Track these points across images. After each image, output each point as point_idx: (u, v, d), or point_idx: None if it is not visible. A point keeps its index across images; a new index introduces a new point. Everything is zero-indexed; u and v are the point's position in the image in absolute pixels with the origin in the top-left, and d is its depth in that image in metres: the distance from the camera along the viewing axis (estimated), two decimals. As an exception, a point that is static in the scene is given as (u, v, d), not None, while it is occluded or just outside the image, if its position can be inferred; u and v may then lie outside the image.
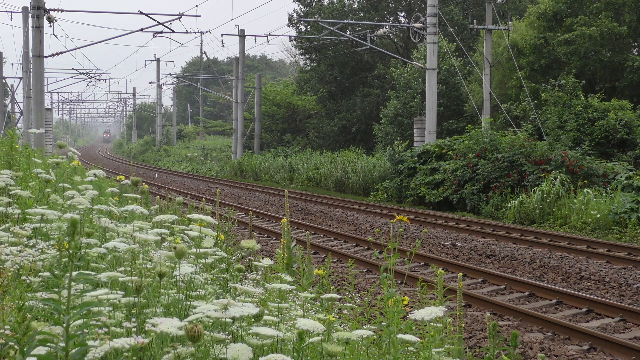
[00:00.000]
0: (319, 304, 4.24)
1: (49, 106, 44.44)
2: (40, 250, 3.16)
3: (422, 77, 30.44)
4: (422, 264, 12.03)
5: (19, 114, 35.69)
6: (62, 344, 2.01)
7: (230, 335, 2.68)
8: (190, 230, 3.42)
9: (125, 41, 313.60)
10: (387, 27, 37.06)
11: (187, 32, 31.98)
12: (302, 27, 41.44)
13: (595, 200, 16.04)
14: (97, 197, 4.62)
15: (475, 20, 29.33)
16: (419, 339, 2.96)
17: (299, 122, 43.73)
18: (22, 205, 4.20)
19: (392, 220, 3.62)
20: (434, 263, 11.70)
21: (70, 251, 2.08)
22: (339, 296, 3.50)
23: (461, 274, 5.18)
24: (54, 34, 32.53)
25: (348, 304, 4.15)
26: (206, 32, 54.16)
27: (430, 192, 20.76)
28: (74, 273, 2.14)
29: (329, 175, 27.66)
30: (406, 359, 3.54)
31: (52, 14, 24.40)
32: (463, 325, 5.18)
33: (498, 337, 3.23)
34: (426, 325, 3.41)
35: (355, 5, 41.52)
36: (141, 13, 26.11)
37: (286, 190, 7.23)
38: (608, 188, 17.18)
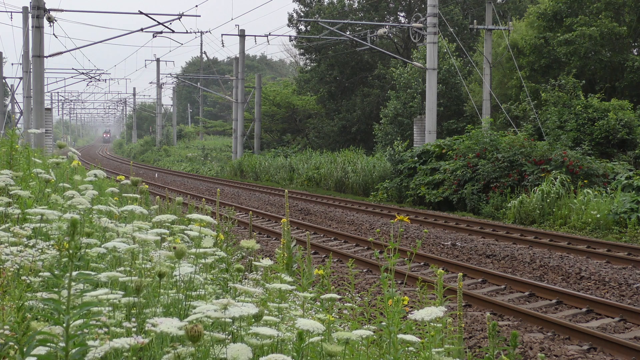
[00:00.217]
0: (319, 304, 4.24)
1: (49, 106, 44.45)
2: (40, 250, 3.15)
3: (422, 77, 30.44)
4: (422, 264, 12.02)
5: (19, 114, 35.69)
6: (62, 344, 2.01)
7: (230, 335, 2.68)
8: (190, 230, 3.42)
9: (125, 41, 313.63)
10: (387, 27, 37.06)
11: (187, 32, 31.99)
12: (302, 27, 41.45)
13: (595, 200, 16.04)
14: (97, 197, 4.62)
15: (475, 20, 29.33)
16: (419, 339, 2.96)
17: (299, 122, 43.73)
18: (22, 205, 4.20)
19: (392, 220, 3.62)
20: (434, 263, 11.70)
21: (70, 251, 2.08)
22: (339, 296, 3.50)
23: (461, 274, 5.18)
24: (54, 34, 32.55)
25: (348, 304, 4.15)
26: (206, 32, 54.18)
27: (430, 192, 20.76)
28: (74, 273, 2.14)
29: (329, 175, 27.66)
30: (406, 359, 3.54)
31: (52, 14, 24.40)
32: (463, 325, 5.18)
33: (498, 337, 3.23)
34: (426, 325, 3.41)
35: (355, 5, 41.54)
36: (141, 13, 26.12)
37: (286, 190, 7.23)
38: (608, 188, 17.18)
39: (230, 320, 2.42)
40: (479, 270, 10.97)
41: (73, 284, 2.10)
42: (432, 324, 3.21)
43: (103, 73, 51.61)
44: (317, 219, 18.60)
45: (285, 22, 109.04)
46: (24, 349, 1.99)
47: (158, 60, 59.41)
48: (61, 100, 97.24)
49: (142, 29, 27.59)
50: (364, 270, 11.56)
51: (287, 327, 3.10)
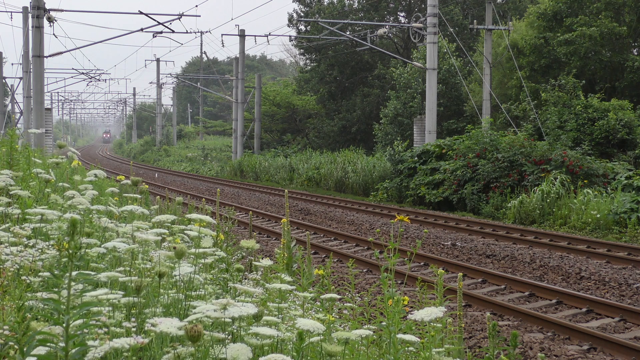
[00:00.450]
0: (318, 304, 4.24)
1: (49, 106, 44.45)
2: (40, 250, 3.15)
3: (422, 77, 30.44)
4: (422, 264, 12.02)
5: (19, 114, 35.69)
6: (62, 344, 2.01)
7: (230, 335, 2.68)
8: (190, 230, 3.42)
9: (125, 41, 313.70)
10: (387, 27, 37.06)
11: (187, 32, 31.99)
12: (302, 27, 41.45)
13: (595, 200, 16.04)
14: (97, 197, 4.62)
15: (475, 20, 29.33)
16: (419, 339, 2.96)
17: (299, 122, 43.73)
18: (22, 205, 4.20)
19: (392, 220, 3.62)
20: (434, 263, 11.70)
21: (70, 251, 2.08)
22: (338, 296, 3.50)
23: (461, 274, 5.18)
24: (54, 34, 32.55)
25: (348, 304, 4.15)
26: (206, 32, 54.17)
27: (430, 192, 20.76)
28: (74, 273, 2.14)
29: (329, 175, 27.67)
30: (406, 359, 3.54)
31: (52, 14, 24.41)
32: (463, 325, 5.18)
33: (498, 337, 3.23)
34: (426, 325, 3.41)
35: (355, 5, 41.53)
36: (141, 13, 26.12)
37: (286, 190, 7.23)
38: (608, 188, 17.18)
39: (230, 320, 2.42)
40: (479, 270, 10.97)
41: (73, 284, 2.10)
42: (432, 324, 3.21)
43: (103, 73, 51.62)
44: (317, 219, 18.60)
45: (285, 22, 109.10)
46: (24, 349, 1.99)
47: (158, 60, 59.41)
48: (61, 100, 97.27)
49: (142, 29, 27.59)
50: (364, 270, 11.56)
51: (287, 327, 3.10)
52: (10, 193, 4.18)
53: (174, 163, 48.31)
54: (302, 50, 44.27)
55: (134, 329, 2.45)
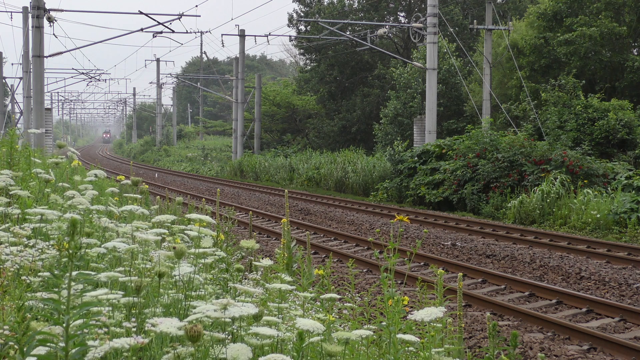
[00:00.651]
0: (319, 304, 4.24)
1: (49, 106, 44.45)
2: (40, 250, 3.15)
3: (422, 77, 30.44)
4: (422, 264, 12.02)
5: (19, 114, 35.70)
6: (62, 344, 2.01)
7: (230, 335, 2.68)
8: (190, 230, 3.42)
9: (125, 41, 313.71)
10: (387, 27, 37.06)
11: (187, 32, 31.98)
12: (302, 27, 41.45)
13: (595, 200, 16.04)
14: (97, 197, 4.62)
15: (475, 20, 29.33)
16: (419, 339, 2.96)
17: (299, 122, 43.73)
18: (21, 205, 4.20)
19: (392, 220, 3.62)
20: (434, 263, 11.70)
21: (70, 251, 2.08)
22: (339, 296, 3.50)
23: (461, 274, 5.18)
24: (54, 34, 32.54)
25: (348, 304, 4.15)
26: (206, 32, 54.16)
27: (430, 192, 20.77)
28: (74, 273, 2.13)
29: (329, 175, 27.67)
30: (406, 359, 3.54)
31: (52, 14, 24.41)
32: (463, 325, 5.18)
33: (498, 337, 3.23)
34: (426, 325, 3.41)
35: (355, 5, 41.53)
36: (141, 13, 26.12)
37: (286, 190, 7.23)
38: (608, 188, 17.18)
39: (230, 320, 2.42)
40: (479, 270, 10.97)
41: (73, 284, 2.10)
42: (432, 324, 3.21)
43: (103, 73, 51.62)
44: (317, 219, 18.60)
45: (285, 22, 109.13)
46: (24, 349, 1.99)
47: (158, 60, 59.41)
48: (61, 100, 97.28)
49: (142, 29, 27.59)
50: (364, 270, 11.56)
51: (287, 327, 3.10)
52: (10, 193, 4.18)
53: (174, 163, 48.31)
54: (302, 50, 44.27)
55: (134, 329, 2.45)
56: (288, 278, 3.42)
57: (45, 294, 2.45)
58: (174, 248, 2.94)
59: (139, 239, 3.08)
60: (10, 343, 2.04)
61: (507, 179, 18.68)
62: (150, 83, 63.70)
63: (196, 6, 31.91)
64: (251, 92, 42.13)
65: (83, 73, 47.52)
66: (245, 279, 4.47)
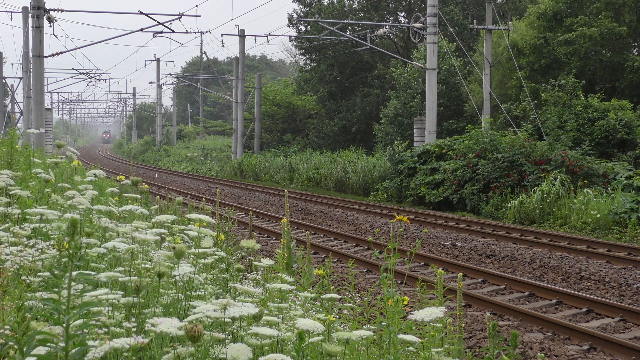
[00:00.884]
0: (319, 304, 4.24)
1: (49, 106, 44.44)
2: (40, 250, 3.15)
3: (422, 77, 30.44)
4: (422, 264, 12.02)
5: (19, 114, 35.70)
6: (62, 344, 2.01)
7: (230, 335, 2.68)
8: (190, 230, 3.42)
9: (125, 41, 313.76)
10: (387, 27, 37.06)
11: (187, 32, 31.98)
12: (302, 27, 41.45)
13: (595, 200, 16.04)
14: (97, 197, 4.62)
15: (475, 20, 29.33)
16: (419, 339, 2.96)
17: (299, 122, 43.73)
18: (21, 205, 4.20)
19: (392, 220, 3.61)
20: (434, 263, 11.70)
21: (70, 251, 2.08)
22: (339, 296, 3.50)
23: (461, 274, 5.18)
24: (54, 34, 32.54)
25: (348, 304, 4.15)
26: (206, 32, 54.15)
27: (430, 192, 20.76)
28: (74, 273, 2.13)
29: (329, 175, 27.66)
30: (406, 359, 3.54)
31: (52, 14, 24.40)
32: (463, 325, 5.18)
33: (498, 337, 3.23)
34: (426, 325, 3.41)
35: (355, 5, 41.53)
36: (141, 13, 26.12)
37: (286, 190, 7.23)
38: (608, 188, 17.18)
39: (230, 320, 2.42)
40: (479, 270, 10.96)
41: (73, 284, 2.10)
42: (432, 324, 3.21)
43: (103, 73, 51.61)
44: (317, 219, 18.60)
45: (285, 22, 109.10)
46: (24, 349, 1.99)
47: (158, 60, 59.41)
48: (61, 100, 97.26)
49: (142, 29, 27.59)
50: (364, 270, 11.56)
51: (287, 327, 3.10)
52: (10, 193, 4.18)
53: (174, 163, 48.31)
54: (302, 50, 44.27)
55: (134, 329, 2.45)
56: (288, 278, 3.42)
57: (45, 294, 2.45)
58: (174, 248, 2.94)
59: (139, 239, 3.08)
60: (10, 343, 2.04)
61: (507, 179, 18.68)
62: (150, 83, 63.73)
63: (196, 6, 31.92)
64: (251, 92, 42.13)
65: (83, 73, 47.52)
66: (246, 279, 4.47)
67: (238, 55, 39.22)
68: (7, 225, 3.61)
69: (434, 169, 21.42)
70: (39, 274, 2.91)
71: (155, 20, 27.10)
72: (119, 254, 3.34)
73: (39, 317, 2.41)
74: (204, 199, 10.15)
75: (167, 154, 54.90)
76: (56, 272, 2.16)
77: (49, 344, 2.03)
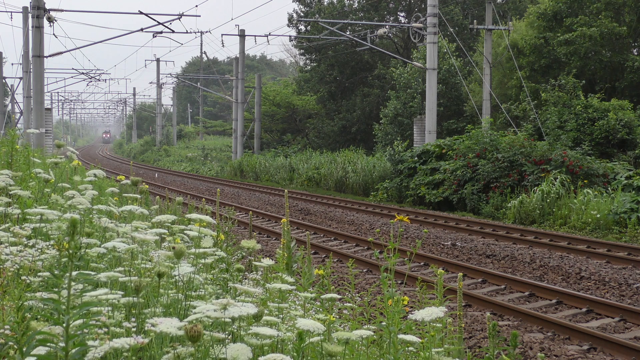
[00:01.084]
0: (319, 304, 4.24)
1: (49, 106, 44.44)
2: (40, 250, 3.15)
3: (422, 77, 30.44)
4: (422, 264, 12.02)
5: (19, 114, 35.70)
6: (62, 344, 2.01)
7: (230, 335, 2.68)
8: (190, 230, 3.42)
9: (125, 41, 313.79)
10: (387, 27, 37.06)
11: (187, 32, 31.98)
12: (302, 27, 41.45)
13: (595, 200, 16.03)
14: (97, 197, 4.62)
15: (475, 20, 29.33)
16: (419, 339, 2.96)
17: (299, 122, 43.73)
18: (21, 205, 4.20)
19: (392, 220, 3.61)
20: (434, 263, 11.70)
21: (70, 251, 2.07)
22: (339, 296, 3.50)
23: (461, 274, 5.18)
24: (54, 34, 32.54)
25: (348, 304, 4.15)
26: (206, 32, 54.15)
27: (430, 192, 20.76)
28: (74, 273, 2.13)
29: (329, 175, 27.66)
30: (406, 359, 3.54)
31: (52, 14, 24.40)
32: (463, 325, 5.18)
33: (498, 337, 3.22)
34: (426, 325, 3.41)
35: (355, 5, 41.53)
36: (141, 13, 26.11)
37: (286, 190, 7.23)
38: (608, 188, 17.18)
39: (230, 320, 2.42)
40: (479, 270, 10.96)
41: (73, 284, 2.10)
42: (432, 324, 3.21)
43: (103, 73, 51.62)
44: (317, 219, 18.60)
45: (285, 22, 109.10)
46: (24, 349, 1.99)
47: (158, 60, 59.40)
48: (61, 100, 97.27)
49: (142, 29, 27.59)
50: (364, 270, 11.56)
51: (287, 327, 3.10)
52: (10, 193, 4.18)
53: (174, 163, 48.31)
54: (302, 50, 44.26)
55: (133, 329, 2.45)
56: (288, 278, 3.42)
57: (45, 294, 2.45)
58: (174, 248, 2.93)
59: (139, 239, 3.08)
60: (10, 343, 2.04)
61: (507, 179, 18.68)
62: (150, 83, 63.73)
63: (196, 6, 31.92)
64: (251, 92, 42.13)
65: (83, 73, 47.52)
66: (246, 279, 4.47)
67: (238, 55, 39.22)
68: (7, 225, 3.60)
69: (434, 169, 21.42)
70: (39, 274, 2.91)
71: (155, 20, 27.11)
72: (119, 254, 3.34)
73: (39, 317, 2.41)
74: (204, 199, 10.15)
75: (167, 154, 54.91)
76: (56, 272, 2.16)
77: (49, 344, 2.03)
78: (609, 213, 15.28)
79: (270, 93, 43.26)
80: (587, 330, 7.73)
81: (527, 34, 27.68)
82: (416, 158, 22.63)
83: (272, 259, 7.32)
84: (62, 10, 24.88)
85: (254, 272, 4.47)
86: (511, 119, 25.62)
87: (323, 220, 18.21)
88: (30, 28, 24.04)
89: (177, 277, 3.02)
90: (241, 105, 39.40)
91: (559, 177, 17.26)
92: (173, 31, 28.62)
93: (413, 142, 26.68)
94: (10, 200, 4.16)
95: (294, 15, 41.81)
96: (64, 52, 27.31)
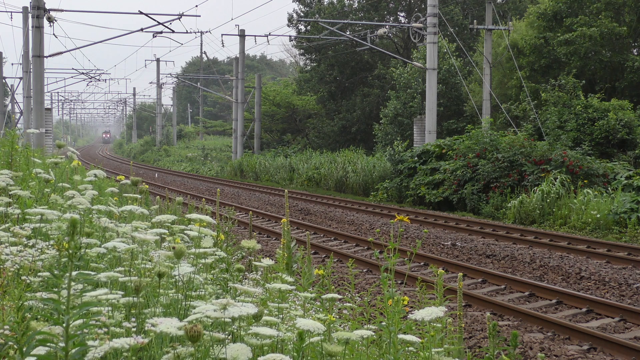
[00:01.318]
0: (319, 304, 4.24)
1: (49, 106, 44.44)
2: (40, 250, 3.15)
3: (422, 77, 30.44)
4: (422, 264, 12.02)
5: (19, 114, 35.70)
6: (62, 344, 2.01)
7: (230, 335, 2.68)
8: (190, 230, 3.41)
9: (125, 41, 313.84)
10: (387, 27, 37.05)
11: (187, 32, 31.98)
12: (302, 27, 41.45)
13: (595, 200, 16.03)
14: (97, 197, 4.62)
15: (475, 20, 29.33)
16: (419, 339, 2.96)
17: (299, 122, 43.73)
18: (21, 205, 4.20)
19: (392, 220, 3.61)
20: (434, 263, 11.70)
21: (70, 251, 2.07)
22: (339, 296, 3.50)
23: (461, 274, 5.18)
24: (54, 34, 32.54)
25: (348, 304, 4.14)
26: (206, 32, 54.14)
27: (430, 192, 20.76)
28: (74, 273, 2.13)
29: (329, 175, 27.66)
30: (406, 359, 3.54)
31: (52, 14, 24.40)
32: (463, 325, 5.18)
33: (498, 337, 3.22)
34: (426, 325, 3.41)
35: (355, 5, 41.52)
36: (141, 13, 26.11)
37: (286, 190, 7.23)
38: (608, 188, 17.18)
39: (230, 320, 2.42)
40: (479, 270, 10.96)
41: (73, 284, 2.10)
42: (432, 324, 3.21)
43: (103, 73, 51.62)
44: (317, 219, 18.60)
45: (285, 22, 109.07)
46: (24, 349, 1.99)
47: (158, 60, 59.40)
48: (61, 100, 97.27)
49: (142, 29, 27.59)
50: (364, 270, 11.56)
51: (287, 327, 3.10)
52: (10, 193, 4.18)
53: (174, 163, 48.31)
54: (302, 50, 44.26)
55: (133, 329, 2.45)
56: (288, 278, 3.42)
57: (45, 294, 2.45)
58: (174, 248, 2.93)
59: (139, 239, 3.08)
60: (10, 343, 2.04)
61: (507, 179, 18.68)
62: (150, 83, 63.72)
63: (196, 6, 31.92)
64: (251, 92, 42.13)
65: (83, 73, 47.52)
66: (246, 279, 4.47)
67: (238, 55, 39.21)
68: (7, 225, 3.60)
69: (434, 169, 21.42)
70: (39, 274, 2.91)
71: (155, 20, 27.11)
72: (118, 254, 3.34)
73: (39, 317, 2.41)
74: (204, 199, 10.15)
75: (167, 154, 54.91)
76: (56, 272, 2.16)
77: (48, 344, 2.03)
78: (609, 213, 15.28)
79: (270, 93, 43.26)
80: (587, 330, 7.73)
81: (527, 34, 27.68)
82: (416, 158, 22.63)
83: (272, 259, 7.32)
84: (62, 10, 24.88)
85: (254, 272, 4.47)
86: (511, 119, 25.62)
87: (323, 220, 18.21)
88: (30, 28, 24.04)
89: (177, 277, 3.02)
90: (241, 105, 39.40)
91: (559, 177, 17.26)
92: (173, 31, 28.63)
93: (413, 142, 26.68)
94: (10, 200, 4.16)
95: (294, 15, 41.81)
96: (64, 52, 27.31)
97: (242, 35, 37.66)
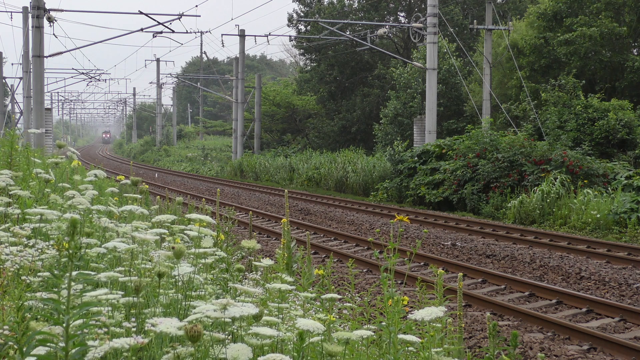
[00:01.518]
0: (319, 304, 4.24)
1: (49, 106, 44.42)
2: (40, 250, 3.15)
3: (422, 77, 30.43)
4: (422, 264, 12.02)
5: (19, 114, 35.70)
6: (62, 344, 2.01)
7: (230, 335, 2.68)
8: (190, 230, 3.41)
9: (125, 41, 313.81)
10: (387, 27, 37.05)
11: (187, 32, 31.98)
12: (302, 27, 41.45)
13: (595, 200, 16.03)
14: (97, 197, 4.62)
15: (475, 20, 29.33)
16: (419, 339, 2.96)
17: (299, 122, 43.73)
18: (21, 205, 4.20)
19: (392, 220, 3.61)
20: (434, 263, 11.70)
21: (70, 251, 2.07)
22: (339, 296, 3.50)
23: (461, 274, 5.18)
24: (54, 34, 32.53)
25: (348, 304, 4.14)
26: (206, 32, 54.15)
27: (430, 192, 20.76)
28: (74, 273, 2.13)
29: (329, 175, 27.66)
30: (406, 359, 3.54)
31: (52, 14, 24.40)
32: (463, 325, 5.18)
33: (498, 337, 3.22)
34: (426, 325, 3.41)
35: (355, 5, 41.52)
36: (141, 13, 26.11)
37: (286, 190, 7.23)
38: (608, 188, 17.18)
39: (230, 320, 2.42)
40: (479, 270, 10.96)
41: (73, 284, 2.10)
42: (432, 324, 3.21)
43: (103, 73, 51.61)
44: (317, 219, 18.60)
45: (285, 22, 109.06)
46: (24, 349, 1.99)
47: (158, 60, 59.40)
48: (61, 100, 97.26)
49: (142, 29, 27.59)
50: (364, 270, 11.55)
51: (287, 327, 3.10)
52: (10, 193, 4.18)
53: (174, 163, 48.31)
54: (302, 50, 44.26)
55: (133, 329, 2.45)
56: (288, 278, 3.42)
57: (45, 294, 2.45)
58: (174, 248, 2.93)
59: (139, 239, 3.08)
60: (10, 343, 2.04)
61: (507, 179, 18.68)
62: (150, 83, 63.72)
63: (196, 6, 31.92)
64: (251, 92, 42.13)
65: (83, 73, 47.52)
66: (246, 279, 4.47)
67: (238, 55, 39.21)
68: (7, 225, 3.60)
69: (434, 169, 21.42)
70: (39, 274, 2.91)
71: (155, 20, 27.11)
72: (119, 254, 3.34)
73: (38, 317, 2.41)
74: (204, 199, 10.15)
75: (167, 154, 54.91)
76: (56, 272, 2.16)
77: (48, 344, 2.03)
78: (609, 213, 15.28)
79: (270, 93, 43.26)
80: (587, 330, 7.73)
81: (527, 34, 27.68)
82: (416, 158, 22.63)
83: (272, 259, 7.33)
84: (62, 10, 24.88)
85: (254, 272, 4.47)
86: (511, 119, 25.62)
87: (323, 220, 18.21)
88: (30, 28, 24.04)
89: (177, 277, 3.02)
90: (241, 105, 39.40)
91: (559, 177, 17.26)
92: (173, 31, 28.62)
93: (413, 142, 26.68)
94: (10, 200, 4.16)
95: (294, 15, 41.81)
96: (64, 52, 27.31)
97: (242, 35, 37.66)
